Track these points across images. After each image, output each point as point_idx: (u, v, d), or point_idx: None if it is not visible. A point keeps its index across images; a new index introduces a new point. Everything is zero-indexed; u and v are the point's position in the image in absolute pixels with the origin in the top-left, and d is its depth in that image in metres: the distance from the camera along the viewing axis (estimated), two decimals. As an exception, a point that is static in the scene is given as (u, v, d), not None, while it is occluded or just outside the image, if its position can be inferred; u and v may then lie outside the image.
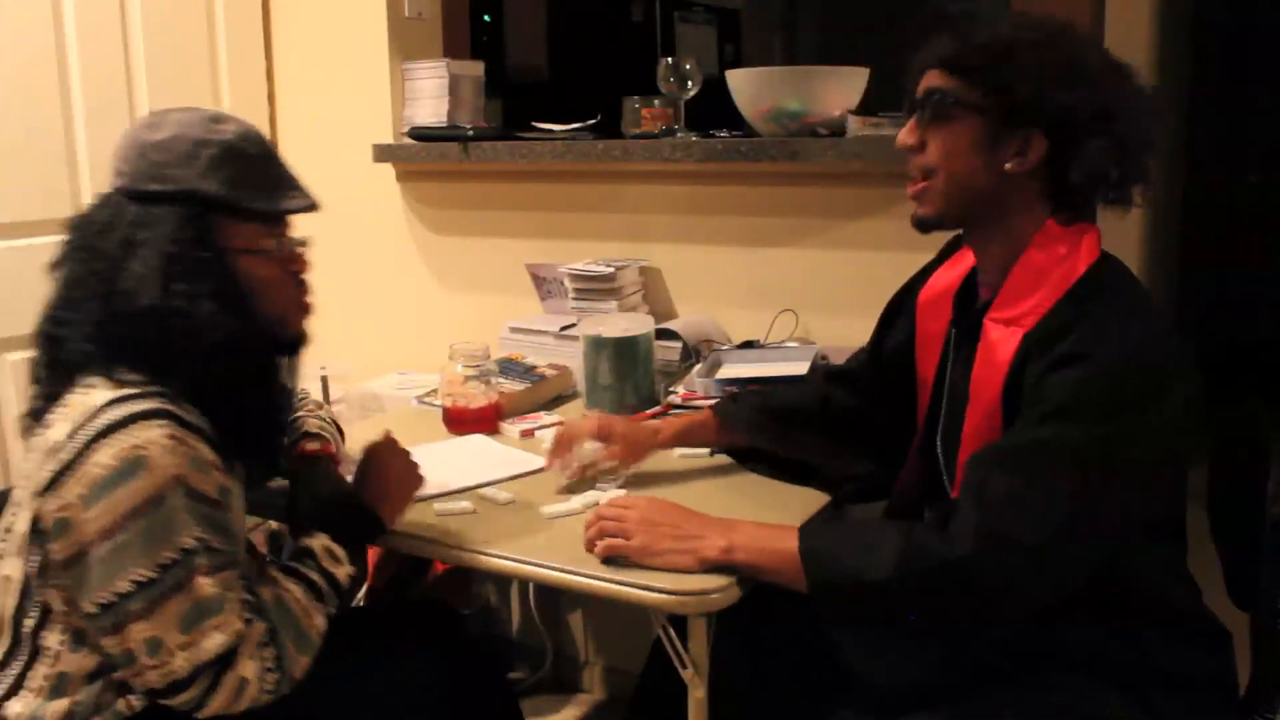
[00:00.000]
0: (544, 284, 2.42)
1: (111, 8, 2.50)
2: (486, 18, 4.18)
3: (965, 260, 1.47)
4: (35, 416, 1.35)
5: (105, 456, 1.23)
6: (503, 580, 2.36)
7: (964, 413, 1.35)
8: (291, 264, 1.42)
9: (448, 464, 1.74)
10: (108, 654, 1.28)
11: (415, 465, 1.55)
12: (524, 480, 1.67)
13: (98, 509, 1.23)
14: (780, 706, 1.54)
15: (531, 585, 2.42)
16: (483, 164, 2.50)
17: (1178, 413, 1.22)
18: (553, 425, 1.94)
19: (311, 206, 1.42)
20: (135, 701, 1.33)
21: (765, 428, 1.67)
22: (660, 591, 1.30)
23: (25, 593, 1.32)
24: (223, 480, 1.30)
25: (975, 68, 1.29)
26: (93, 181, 2.47)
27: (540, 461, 1.74)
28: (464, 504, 1.57)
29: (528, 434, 1.91)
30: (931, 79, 1.33)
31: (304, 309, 1.45)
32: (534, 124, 2.45)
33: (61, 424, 1.28)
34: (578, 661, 2.59)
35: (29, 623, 1.32)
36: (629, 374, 1.95)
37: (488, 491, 1.62)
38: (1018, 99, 1.27)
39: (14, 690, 1.32)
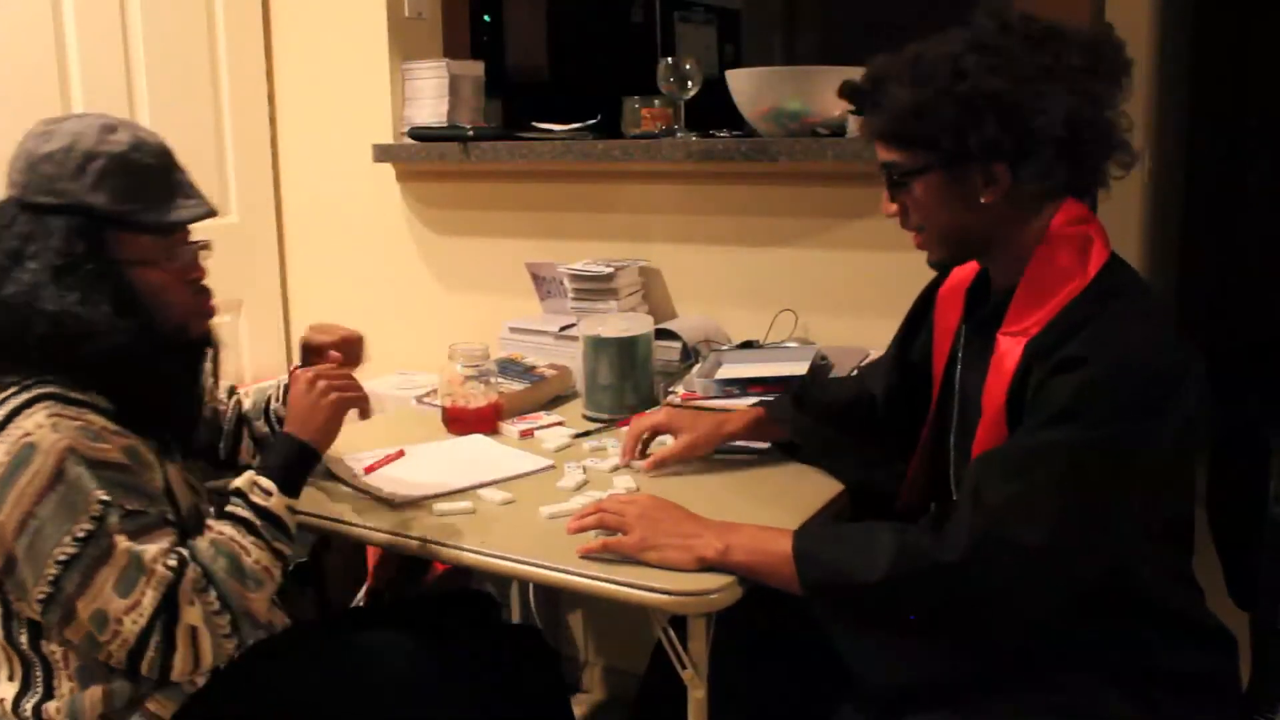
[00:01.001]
0: (544, 284, 2.42)
1: (111, 8, 2.50)
2: (486, 18, 4.18)
3: None
4: None
5: None
6: (503, 580, 2.35)
7: (976, 423, 1.35)
8: (188, 273, 1.43)
9: (447, 464, 1.74)
10: (81, 649, 1.29)
11: (338, 383, 1.48)
12: (523, 480, 1.67)
13: (6, 508, 1.25)
14: (780, 706, 1.54)
15: (531, 585, 2.41)
16: (483, 164, 2.50)
17: (1183, 418, 1.21)
18: (552, 425, 1.94)
19: (205, 215, 1.41)
20: (188, 687, 1.35)
21: (815, 432, 1.70)
22: (660, 592, 1.30)
23: (6, 616, 1.34)
24: (126, 442, 1.31)
25: (905, 135, 1.31)
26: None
27: (541, 461, 1.74)
28: (464, 504, 1.57)
29: (527, 434, 1.91)
30: (880, 152, 1.36)
31: (203, 314, 1.46)
32: (534, 124, 2.45)
33: None
34: (578, 661, 2.59)
35: (23, 640, 1.34)
36: (629, 374, 1.95)
37: (487, 491, 1.62)
38: (951, 148, 1.27)
39: (47, 696, 1.34)
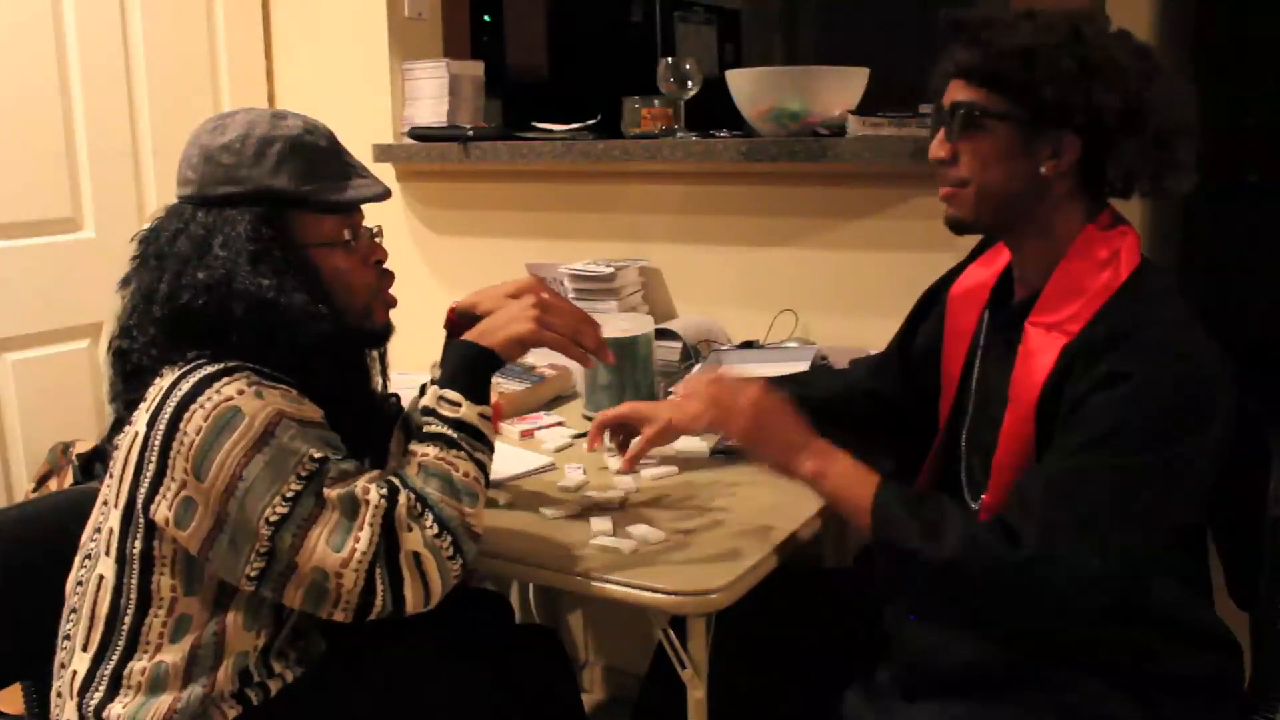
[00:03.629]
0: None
1: (111, 8, 2.50)
2: (486, 18, 4.18)
3: (1000, 257, 1.47)
4: (119, 425, 1.34)
5: (196, 423, 1.23)
6: (503, 580, 2.35)
7: (999, 414, 1.34)
8: (370, 254, 1.42)
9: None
10: (302, 609, 1.26)
11: (556, 317, 1.37)
12: (523, 480, 1.67)
13: (211, 473, 1.22)
14: (780, 706, 1.54)
15: (531, 585, 2.41)
16: (483, 164, 2.50)
17: (1220, 429, 1.22)
18: (552, 425, 1.94)
19: (384, 194, 1.40)
20: (229, 711, 1.33)
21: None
22: (660, 592, 1.30)
23: (119, 589, 1.32)
24: (320, 411, 1.29)
25: (1000, 76, 1.28)
26: (93, 181, 2.47)
27: (541, 461, 1.74)
28: (464, 504, 1.57)
29: (528, 434, 1.91)
30: (955, 91, 1.32)
31: (387, 300, 1.45)
32: (534, 124, 2.45)
33: (140, 416, 1.28)
34: (578, 662, 2.59)
35: (127, 618, 1.31)
36: (629, 374, 1.95)
37: (488, 492, 1.61)
38: (1046, 104, 1.25)
39: (112, 690, 1.31)
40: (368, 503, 1.24)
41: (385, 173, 2.68)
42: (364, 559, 1.22)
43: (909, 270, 2.02)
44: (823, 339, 2.17)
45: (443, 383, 1.36)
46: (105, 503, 1.34)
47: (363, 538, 1.23)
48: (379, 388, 1.51)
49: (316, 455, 1.24)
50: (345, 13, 2.67)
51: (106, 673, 1.32)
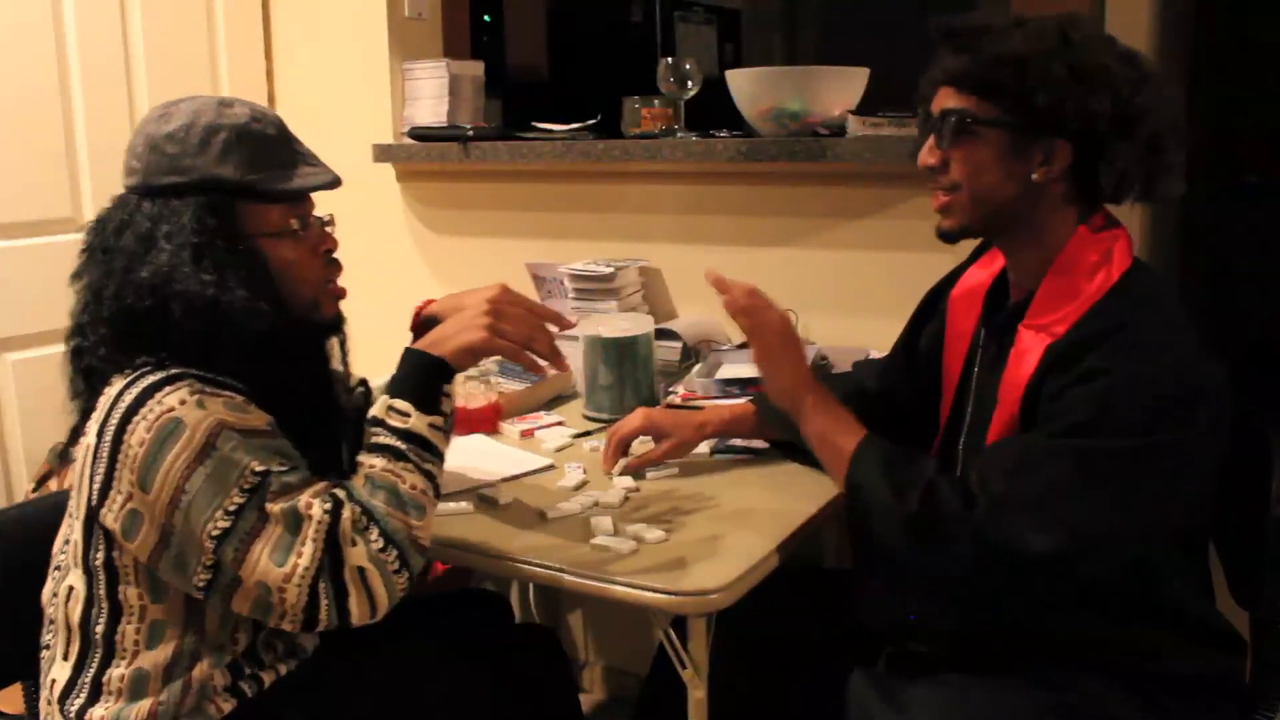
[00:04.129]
0: (544, 284, 2.42)
1: (111, 8, 2.50)
2: (486, 18, 4.18)
3: (998, 259, 1.47)
4: (75, 433, 1.34)
5: (140, 435, 1.22)
6: (503, 580, 2.35)
7: (990, 416, 1.35)
8: (319, 244, 1.39)
9: (448, 464, 1.73)
10: (252, 616, 1.26)
11: (511, 325, 1.36)
12: (524, 480, 1.67)
13: (155, 485, 1.21)
14: (780, 706, 1.54)
15: (531, 585, 2.41)
16: (483, 164, 2.50)
17: (1199, 434, 1.21)
18: (552, 425, 1.94)
19: (333, 182, 1.38)
20: (224, 705, 1.33)
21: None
22: (660, 592, 1.30)
23: (90, 599, 1.31)
24: (267, 416, 1.27)
25: (992, 84, 1.28)
26: (93, 181, 2.47)
27: (541, 461, 1.74)
28: (464, 504, 1.57)
29: (528, 434, 1.91)
30: (945, 98, 1.32)
31: (335, 292, 1.43)
32: (534, 124, 2.45)
33: (91, 426, 1.28)
34: (578, 662, 2.59)
35: (99, 626, 1.31)
36: (629, 374, 1.95)
37: (488, 491, 1.62)
38: (1038, 110, 1.25)
39: (94, 696, 1.32)
40: (310, 518, 1.22)
41: (385, 173, 2.68)
42: (306, 574, 1.21)
43: (909, 270, 2.02)
44: (823, 339, 2.17)
45: (392, 391, 1.33)
46: (70, 514, 1.34)
47: (305, 553, 1.21)
48: (343, 377, 1.49)
49: (258, 468, 1.22)
50: (345, 13, 2.67)
51: (87, 680, 1.32)
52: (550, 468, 1.73)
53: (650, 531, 1.43)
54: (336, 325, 1.44)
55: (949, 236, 1.39)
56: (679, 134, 2.27)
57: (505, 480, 1.67)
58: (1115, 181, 1.29)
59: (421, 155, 2.53)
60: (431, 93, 2.56)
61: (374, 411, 1.34)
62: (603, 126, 2.43)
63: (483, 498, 1.60)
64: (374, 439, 1.31)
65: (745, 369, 1.98)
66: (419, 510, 1.28)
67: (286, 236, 1.34)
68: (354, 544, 1.23)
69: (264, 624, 1.30)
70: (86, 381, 1.33)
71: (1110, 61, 1.26)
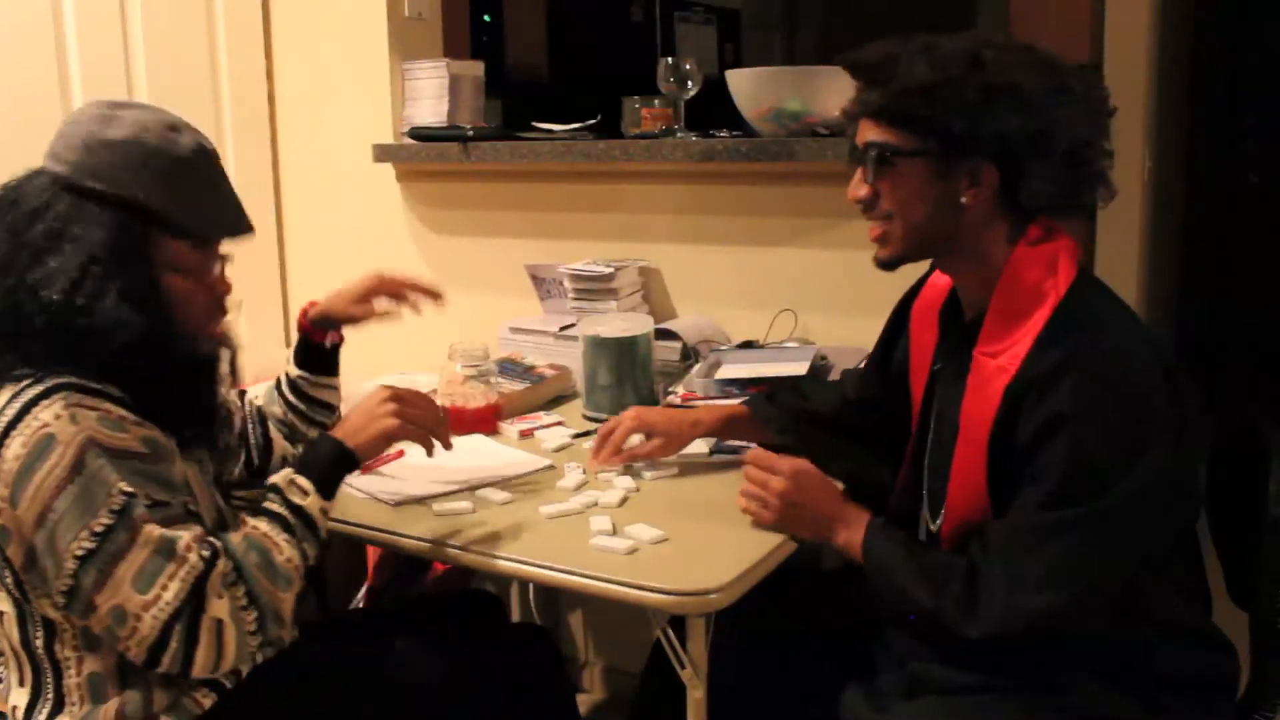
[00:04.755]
0: (544, 284, 2.42)
1: (111, 8, 2.50)
2: (486, 18, 4.18)
3: None
4: None
5: (14, 451, 1.22)
6: (503, 580, 2.35)
7: (952, 441, 1.35)
8: (215, 287, 1.40)
9: (448, 464, 1.73)
10: (104, 640, 1.27)
11: (412, 412, 1.46)
12: (523, 480, 1.68)
13: (25, 500, 1.22)
14: (780, 706, 1.54)
15: (531, 585, 2.41)
16: (483, 164, 2.50)
17: (1176, 443, 1.22)
18: (552, 425, 1.94)
19: (247, 231, 1.40)
20: (204, 699, 1.34)
21: (795, 430, 1.68)
22: (660, 592, 1.30)
23: (22, 618, 1.32)
24: (147, 433, 1.28)
25: (905, 115, 1.29)
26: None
27: (541, 461, 1.74)
28: (464, 504, 1.57)
29: (527, 434, 1.91)
30: (865, 130, 1.33)
31: (214, 334, 1.43)
32: (534, 124, 2.45)
33: None
34: (578, 661, 2.59)
35: (39, 643, 1.32)
36: (628, 374, 1.95)
37: (487, 491, 1.62)
38: (953, 136, 1.26)
39: (58, 706, 1.32)
40: (186, 560, 1.23)
41: (385, 173, 2.68)
42: (165, 609, 1.21)
43: (909, 270, 2.02)
44: (823, 339, 2.16)
45: (299, 468, 1.39)
46: None
47: (170, 589, 1.21)
48: (217, 379, 1.50)
49: (126, 489, 1.22)
50: (345, 13, 2.67)
51: (49, 696, 1.33)
52: (550, 468, 1.73)
53: (649, 531, 1.43)
54: (211, 359, 1.44)
55: (887, 265, 1.40)
56: (679, 134, 2.27)
57: (505, 480, 1.67)
58: (1040, 196, 1.29)
59: (421, 155, 2.53)
60: (431, 93, 2.55)
61: (275, 480, 1.38)
62: (603, 126, 2.43)
63: (483, 498, 1.60)
64: (267, 504, 1.35)
65: (745, 369, 1.98)
66: (287, 582, 1.30)
67: (185, 274, 1.35)
68: (220, 597, 1.24)
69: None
70: None
71: (1024, 78, 1.25)
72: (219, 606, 1.24)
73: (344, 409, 2.06)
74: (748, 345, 2.14)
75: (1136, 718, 1.28)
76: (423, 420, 1.46)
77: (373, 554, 2.27)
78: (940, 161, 1.29)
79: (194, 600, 1.22)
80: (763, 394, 1.75)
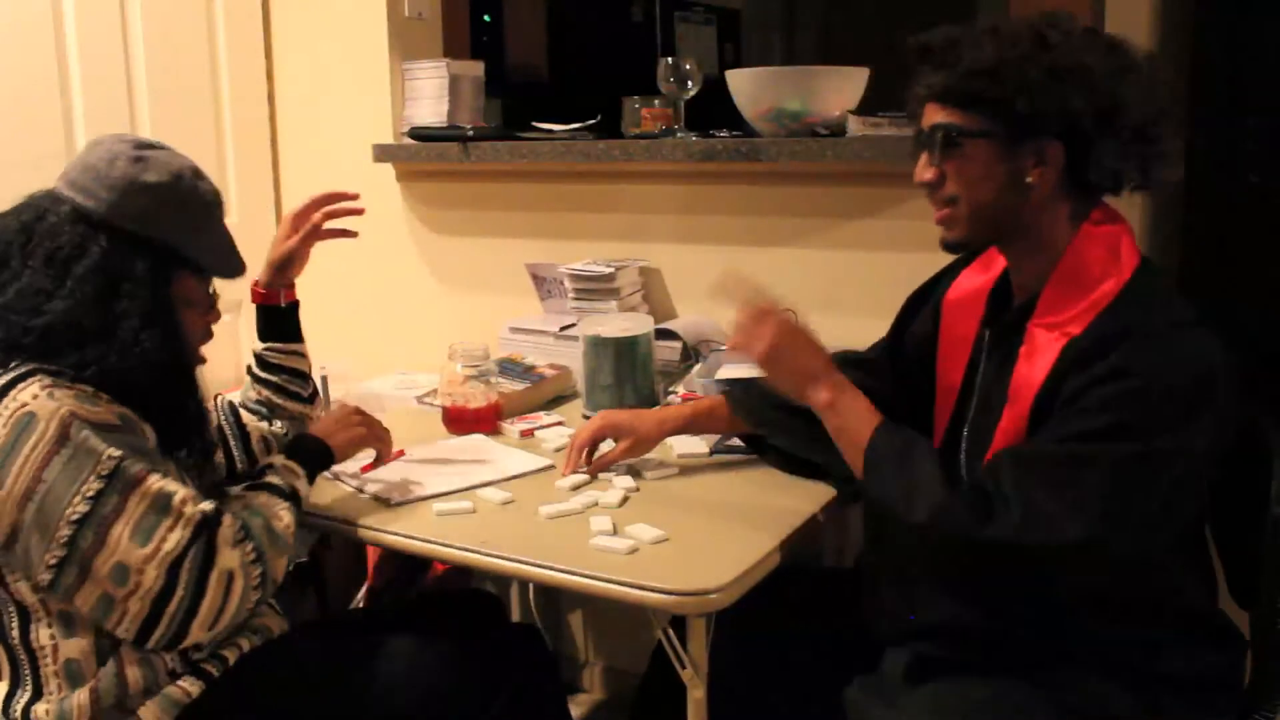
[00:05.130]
0: (544, 284, 2.42)
1: (111, 8, 2.50)
2: (486, 18, 4.18)
3: (996, 262, 1.46)
4: None
5: None
6: (503, 580, 2.35)
7: (998, 414, 1.35)
8: (208, 315, 1.51)
9: (447, 464, 1.74)
10: (90, 617, 1.29)
11: (373, 427, 1.64)
12: (523, 480, 1.67)
13: (9, 478, 1.25)
14: (780, 706, 1.54)
15: (531, 585, 2.41)
16: (483, 164, 2.50)
17: (1214, 425, 1.23)
18: (553, 425, 1.94)
19: (243, 271, 1.52)
20: (190, 687, 1.36)
21: (774, 419, 1.66)
22: (660, 592, 1.30)
23: None
24: (121, 410, 1.32)
25: (972, 96, 1.29)
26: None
27: (541, 461, 1.74)
28: (464, 504, 1.57)
29: (527, 434, 1.91)
30: (932, 113, 1.33)
31: (200, 356, 1.53)
32: (534, 124, 2.45)
33: None
34: (578, 661, 2.59)
35: (14, 633, 1.34)
36: (629, 374, 1.95)
37: (487, 491, 1.62)
38: (1021, 116, 1.26)
39: (36, 696, 1.34)
40: (182, 513, 1.29)
41: (385, 173, 2.68)
42: (168, 557, 1.26)
43: (909, 270, 2.01)
44: (822, 339, 2.16)
45: (290, 454, 1.54)
46: None
47: (171, 539, 1.27)
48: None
49: (114, 453, 1.27)
50: (345, 13, 2.67)
51: (28, 686, 1.35)
52: (550, 468, 1.73)
53: (649, 531, 1.43)
54: (190, 377, 1.51)
55: (953, 248, 1.40)
56: (679, 134, 2.27)
57: (505, 480, 1.67)
58: (1109, 175, 1.29)
59: (421, 155, 2.53)
60: (431, 93, 2.55)
61: (270, 460, 1.52)
62: (603, 126, 2.42)
63: (482, 498, 1.60)
64: (264, 479, 1.47)
65: (746, 369, 1.98)
66: (284, 548, 1.40)
67: (195, 306, 1.47)
68: (232, 548, 1.31)
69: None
70: None
71: (1089, 57, 1.26)
72: (231, 557, 1.30)
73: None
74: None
75: (1139, 716, 1.28)
76: (381, 435, 1.65)
77: (373, 554, 2.27)
78: (1007, 142, 1.29)
79: (203, 550, 1.29)
80: (739, 385, 1.74)
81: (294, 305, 1.76)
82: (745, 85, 2.20)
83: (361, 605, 2.28)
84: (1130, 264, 1.30)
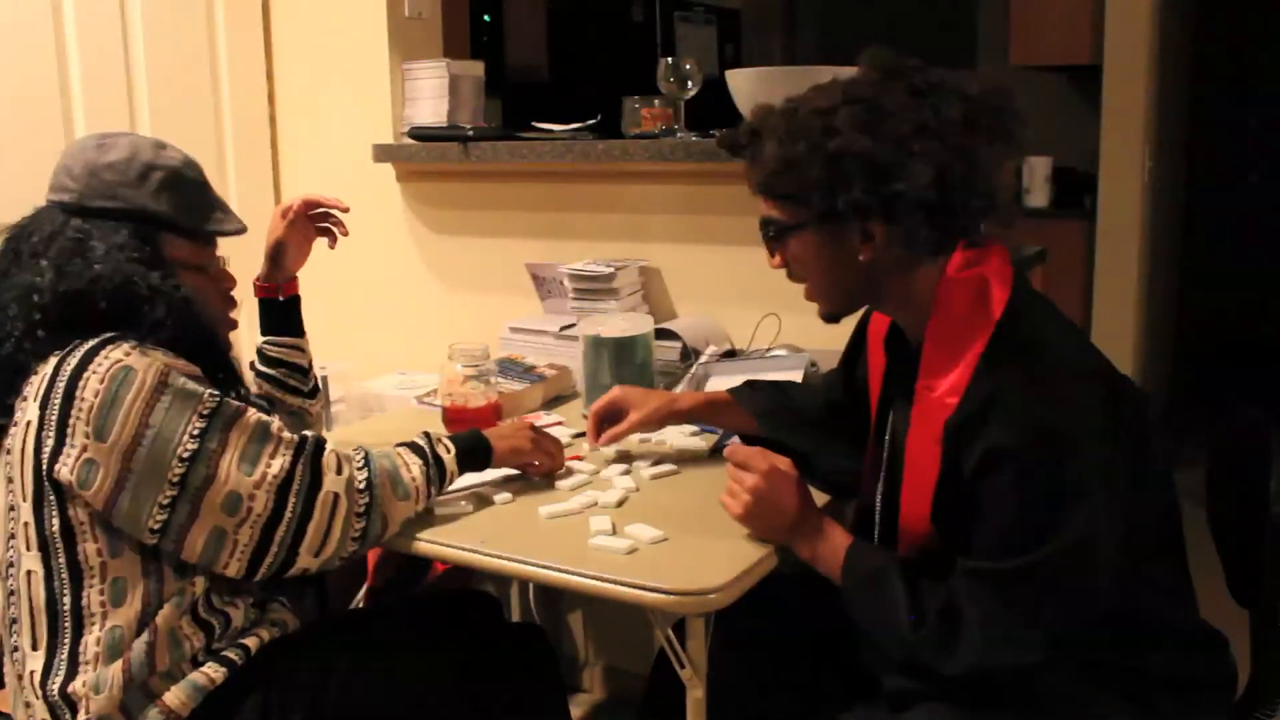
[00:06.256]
0: (544, 284, 2.42)
1: (111, 7, 2.50)
2: (486, 18, 4.18)
3: None
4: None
5: (93, 386, 1.31)
6: (503, 580, 2.35)
7: (900, 470, 1.34)
8: (222, 281, 1.56)
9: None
10: (202, 558, 1.34)
11: (545, 451, 1.64)
12: (523, 480, 1.67)
13: (115, 427, 1.31)
14: (780, 706, 1.54)
15: (531, 585, 2.41)
16: (483, 164, 2.50)
17: (1123, 458, 1.20)
18: (552, 425, 1.94)
19: (241, 229, 1.55)
20: (216, 674, 1.38)
21: (777, 419, 1.69)
22: (660, 592, 1.30)
23: (49, 574, 1.36)
24: (198, 370, 1.39)
25: (778, 191, 1.31)
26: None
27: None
28: (464, 504, 1.57)
29: (527, 434, 1.90)
30: (763, 207, 1.36)
31: (230, 324, 1.57)
32: (534, 124, 2.45)
33: (29, 406, 1.35)
34: (578, 661, 2.59)
35: (66, 599, 1.36)
36: (629, 374, 1.95)
37: (487, 491, 1.62)
38: (825, 206, 1.26)
39: (72, 672, 1.35)
40: (281, 438, 1.37)
41: (385, 173, 2.68)
42: (275, 480, 1.35)
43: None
44: (821, 339, 2.16)
45: (449, 436, 1.56)
46: (11, 508, 1.39)
47: (275, 464, 1.34)
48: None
49: (214, 392, 1.35)
50: (345, 13, 2.67)
51: (63, 658, 1.36)
52: (550, 467, 1.73)
53: (649, 531, 1.43)
54: (226, 351, 1.56)
55: (829, 319, 1.43)
56: (679, 134, 2.27)
57: (505, 480, 1.67)
58: (924, 245, 1.27)
59: (421, 155, 2.53)
60: (431, 93, 2.55)
61: (426, 430, 1.55)
62: (603, 126, 2.42)
63: (483, 498, 1.60)
64: (414, 439, 1.52)
65: (734, 381, 1.97)
66: (405, 495, 1.45)
67: (196, 270, 1.50)
68: (338, 473, 1.39)
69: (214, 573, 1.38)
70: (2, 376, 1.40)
71: (872, 139, 1.22)
72: (335, 481, 1.38)
73: (344, 408, 2.08)
74: (730, 355, 2.13)
75: (1130, 717, 1.28)
76: (551, 458, 1.65)
77: (373, 554, 2.27)
78: (823, 228, 1.30)
79: (309, 473, 1.37)
80: (745, 385, 1.76)
81: (293, 299, 1.79)
82: (745, 85, 2.20)
83: (361, 605, 2.28)
84: (999, 305, 1.26)
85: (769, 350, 2.08)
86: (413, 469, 1.46)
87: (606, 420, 1.72)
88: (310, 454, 1.38)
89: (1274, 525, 1.35)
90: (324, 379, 2.24)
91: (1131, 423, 1.24)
